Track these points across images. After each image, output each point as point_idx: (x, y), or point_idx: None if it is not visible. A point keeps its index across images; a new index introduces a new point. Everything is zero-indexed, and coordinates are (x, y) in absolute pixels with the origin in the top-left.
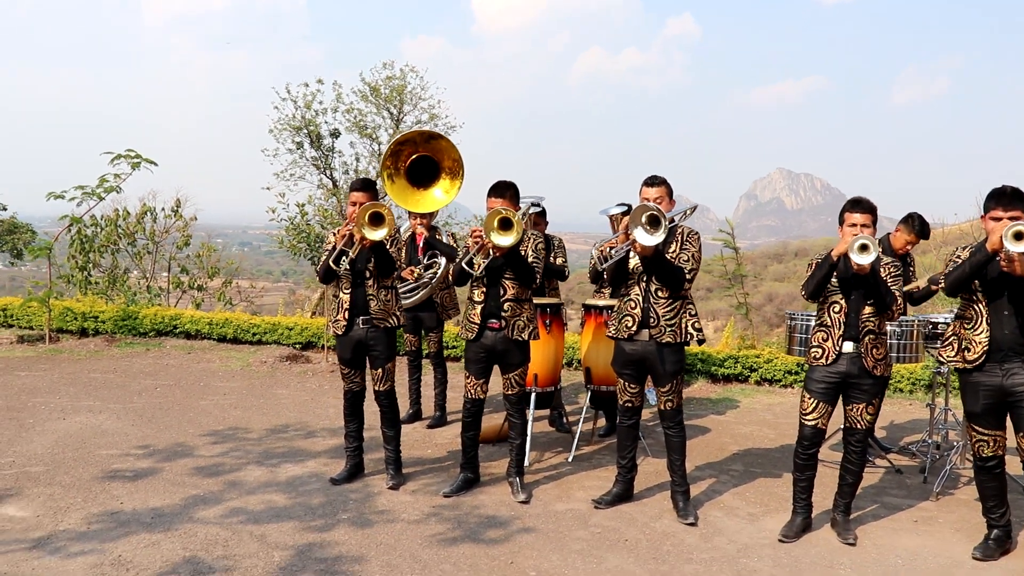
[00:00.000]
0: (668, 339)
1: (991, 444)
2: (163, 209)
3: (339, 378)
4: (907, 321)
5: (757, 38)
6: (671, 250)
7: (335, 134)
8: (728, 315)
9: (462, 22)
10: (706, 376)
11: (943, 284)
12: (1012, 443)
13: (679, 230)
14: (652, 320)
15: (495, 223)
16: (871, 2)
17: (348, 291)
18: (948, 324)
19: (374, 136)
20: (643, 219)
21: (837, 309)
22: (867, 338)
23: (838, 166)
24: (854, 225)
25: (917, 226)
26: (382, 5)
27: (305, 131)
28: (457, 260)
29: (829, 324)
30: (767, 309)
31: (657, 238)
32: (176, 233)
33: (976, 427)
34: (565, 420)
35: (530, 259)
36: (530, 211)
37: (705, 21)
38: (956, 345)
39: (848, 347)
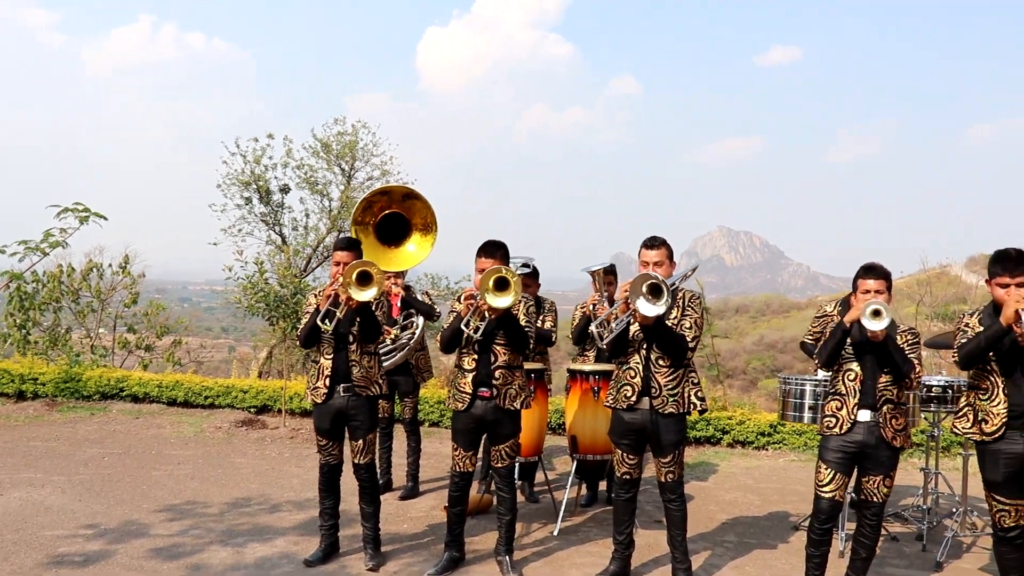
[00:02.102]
0: (671, 409)
1: (1012, 514)
2: (110, 265)
3: (300, 444)
4: None
5: (697, 98)
6: (672, 316)
7: (285, 190)
8: None
9: (407, 80)
10: None
11: (954, 356)
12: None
13: (680, 294)
14: (654, 389)
15: (491, 283)
16: (808, 65)
17: (329, 356)
18: (944, 387)
19: (325, 192)
20: (644, 289)
21: (852, 377)
22: (885, 407)
23: (777, 224)
24: (868, 292)
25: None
26: (327, 62)
27: (254, 186)
28: (449, 324)
29: (844, 392)
30: (717, 364)
31: (660, 308)
32: (123, 291)
33: (997, 496)
34: (533, 490)
35: (523, 322)
36: (520, 272)
37: (646, 81)
38: (971, 416)
39: (864, 416)
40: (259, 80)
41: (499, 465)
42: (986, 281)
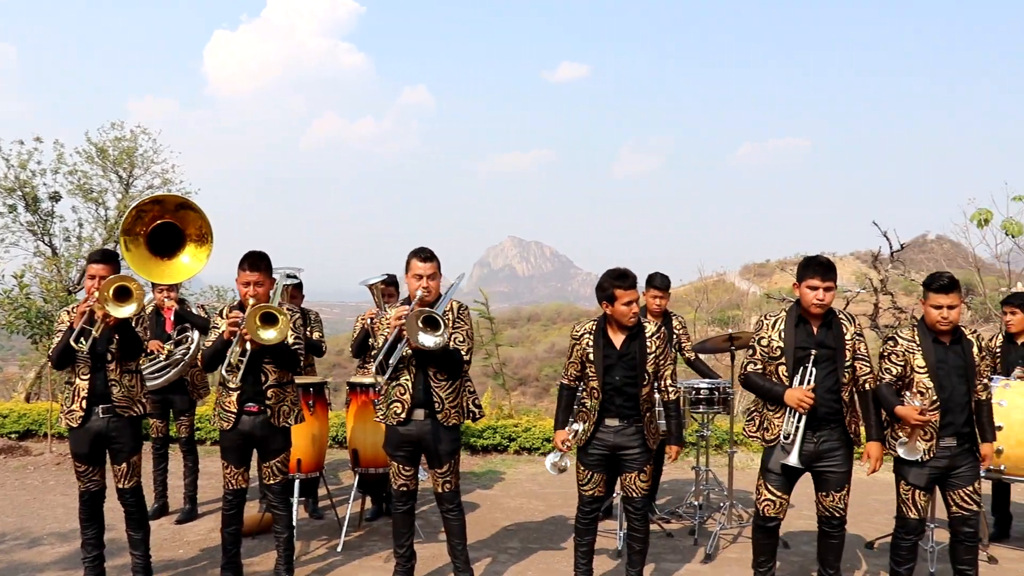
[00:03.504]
0: (454, 421)
1: (776, 505)
2: None
3: (67, 471)
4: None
5: (489, 110)
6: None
7: (55, 197)
8: (479, 383)
9: (194, 84)
10: (466, 448)
11: (742, 372)
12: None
13: (448, 306)
14: (436, 404)
15: (257, 320)
16: (595, 81)
17: (86, 377)
18: (711, 390)
19: (100, 200)
20: (419, 324)
21: (597, 395)
22: (634, 414)
23: (567, 235)
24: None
25: (659, 282)
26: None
27: (19, 193)
28: (212, 344)
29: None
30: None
31: (440, 338)
32: None
33: (769, 487)
34: (316, 506)
35: (291, 341)
36: (286, 284)
37: (439, 92)
38: (757, 421)
39: (614, 421)
40: (25, 77)
41: (271, 482)
42: (794, 284)
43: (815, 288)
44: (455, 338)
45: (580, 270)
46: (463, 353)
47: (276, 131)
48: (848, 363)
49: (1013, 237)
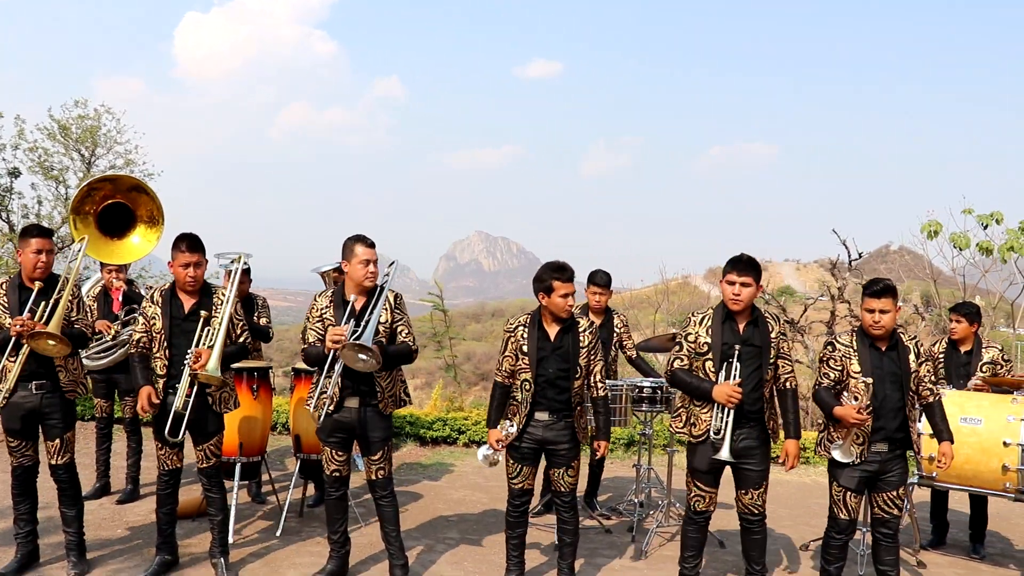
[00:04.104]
0: (392, 409)
1: (706, 500)
2: None
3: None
4: (616, 385)
5: (460, 105)
6: (384, 319)
7: (14, 173)
8: (430, 374)
9: (162, 65)
10: (415, 439)
11: (668, 369)
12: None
13: (386, 296)
14: (378, 393)
15: (206, 362)
16: (567, 78)
17: (13, 359)
18: (653, 389)
19: (61, 179)
20: (356, 355)
21: (528, 387)
22: (564, 408)
23: (533, 231)
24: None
25: (599, 279)
26: (72, 39)
27: None
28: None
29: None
30: (466, 368)
31: (372, 359)
32: None
33: (698, 484)
34: (260, 490)
35: (238, 335)
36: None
37: (411, 84)
38: (684, 417)
39: (543, 416)
40: None
41: (204, 465)
42: (720, 281)
43: (732, 283)
44: (399, 330)
45: None
46: (410, 344)
47: (244, 117)
48: (772, 361)
49: (960, 250)
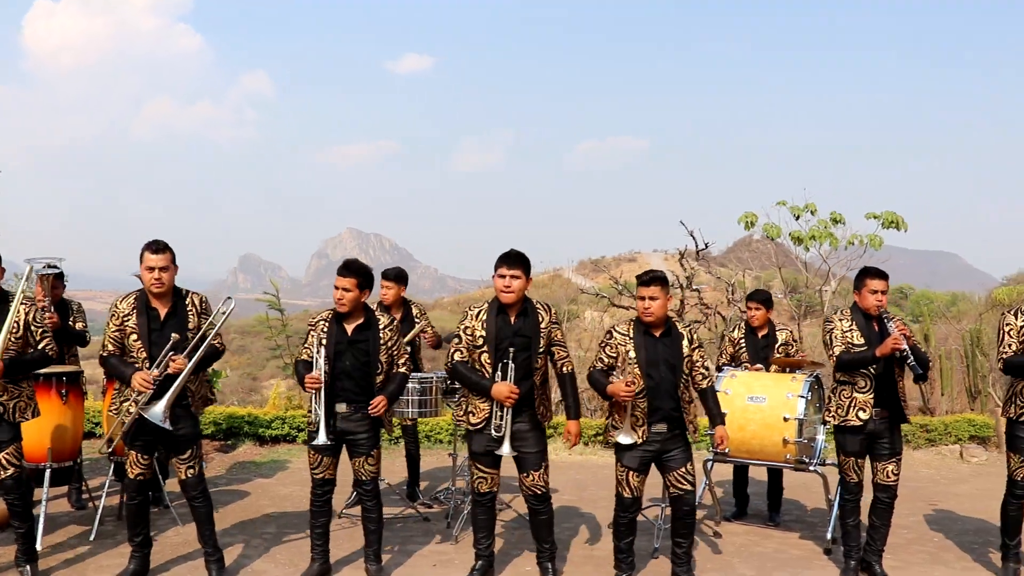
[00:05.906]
0: (201, 408)
1: (488, 481)
2: None
3: None
4: (427, 378)
5: (331, 100)
6: (191, 325)
7: None
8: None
9: (9, 56)
10: (253, 439)
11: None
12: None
13: (190, 302)
14: (189, 392)
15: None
16: (440, 72)
17: None
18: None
19: None
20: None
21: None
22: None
23: (406, 227)
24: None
25: (391, 274)
26: None
27: None
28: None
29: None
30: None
31: (163, 407)
32: None
33: (479, 466)
34: (85, 495)
35: (42, 344)
36: (46, 273)
37: (279, 79)
38: (464, 407)
39: (342, 407)
40: None
41: (2, 476)
42: (492, 276)
43: (503, 276)
44: (211, 336)
45: (420, 263)
46: (216, 346)
47: (103, 112)
48: (542, 350)
49: (772, 239)
